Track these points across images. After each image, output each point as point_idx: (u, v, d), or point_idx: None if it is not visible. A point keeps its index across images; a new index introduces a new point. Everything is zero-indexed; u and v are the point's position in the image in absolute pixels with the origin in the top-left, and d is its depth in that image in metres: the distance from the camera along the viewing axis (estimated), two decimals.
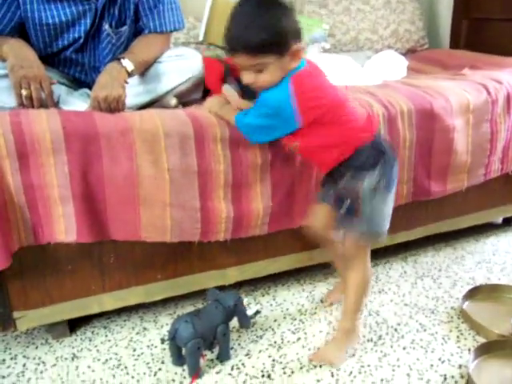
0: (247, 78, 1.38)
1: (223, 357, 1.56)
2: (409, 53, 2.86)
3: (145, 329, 1.73)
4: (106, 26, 1.76)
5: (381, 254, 2.12)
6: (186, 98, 1.76)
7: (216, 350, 1.58)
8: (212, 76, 1.77)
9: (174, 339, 1.48)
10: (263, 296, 1.89)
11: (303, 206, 1.74)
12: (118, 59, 1.65)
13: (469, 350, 1.60)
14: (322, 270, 2.02)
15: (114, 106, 1.56)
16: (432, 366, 1.54)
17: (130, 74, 1.64)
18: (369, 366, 1.54)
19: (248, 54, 1.32)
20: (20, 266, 1.53)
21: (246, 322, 1.55)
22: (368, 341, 1.65)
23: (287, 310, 1.81)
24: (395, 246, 2.10)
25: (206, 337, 1.47)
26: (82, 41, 1.77)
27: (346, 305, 1.58)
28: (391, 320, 1.75)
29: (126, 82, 1.62)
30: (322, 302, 1.86)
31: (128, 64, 1.63)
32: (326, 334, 1.68)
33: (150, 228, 1.57)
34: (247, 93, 1.75)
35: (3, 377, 1.54)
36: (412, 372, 1.52)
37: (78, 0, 1.70)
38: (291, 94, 1.37)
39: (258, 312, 1.59)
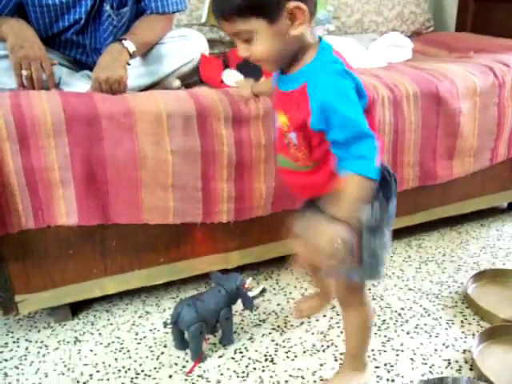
0: (240, 50, 1.10)
1: (226, 341, 1.55)
2: (414, 35, 2.82)
3: (147, 312, 1.73)
4: (107, 7, 1.73)
5: None
6: (188, 80, 1.74)
7: (219, 334, 1.57)
8: (210, 71, 1.74)
9: (176, 323, 1.47)
10: (266, 280, 1.88)
11: None
12: (120, 40, 1.63)
13: (473, 335, 1.59)
14: None
15: (116, 87, 1.54)
16: (436, 350, 1.53)
17: (131, 55, 1.61)
18: (372, 350, 1.53)
19: (227, 20, 1.05)
20: (22, 250, 1.51)
21: (249, 305, 1.54)
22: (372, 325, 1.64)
23: (290, 294, 1.80)
24: (399, 230, 2.08)
25: (208, 320, 1.46)
26: (82, 22, 1.74)
27: (348, 349, 1.39)
28: (395, 304, 1.74)
29: (128, 64, 1.59)
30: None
31: (129, 45, 1.61)
32: (329, 318, 1.67)
33: (152, 210, 1.56)
34: (247, 78, 1.74)
35: (6, 360, 1.53)
36: (416, 357, 1.51)
37: None
38: (342, 67, 1.08)
39: (263, 291, 1.57)
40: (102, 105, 1.48)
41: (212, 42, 2.17)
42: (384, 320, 1.66)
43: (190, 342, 1.48)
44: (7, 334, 1.64)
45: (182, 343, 1.53)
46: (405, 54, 2.26)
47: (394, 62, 2.19)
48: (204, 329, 1.46)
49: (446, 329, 1.62)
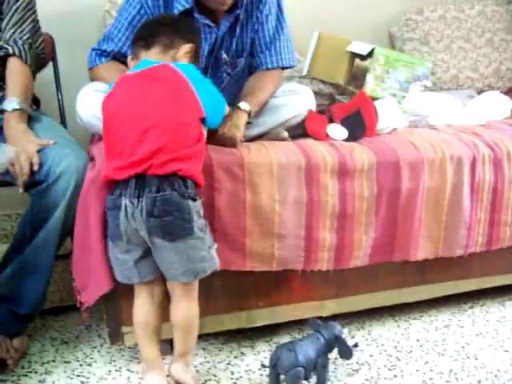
0: None
1: None
2: (510, 92, 2.81)
3: (242, 353, 1.77)
4: (224, 55, 1.86)
5: (477, 296, 2.08)
6: (295, 132, 1.82)
7: (313, 381, 1.59)
8: (316, 125, 1.83)
9: (275, 366, 1.51)
10: (358, 330, 1.90)
11: (405, 241, 1.77)
12: (238, 106, 1.72)
13: None
14: (417, 307, 2.00)
15: (228, 144, 1.64)
16: None
17: (249, 115, 1.71)
18: None
19: None
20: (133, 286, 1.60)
21: (348, 354, 1.57)
22: None
23: (383, 345, 1.81)
24: (492, 288, 2.06)
25: (307, 366, 1.49)
26: (202, 66, 1.85)
27: (190, 343, 1.55)
28: (490, 365, 1.71)
29: (249, 122, 1.70)
30: None
31: (246, 106, 1.70)
32: (422, 373, 1.67)
33: (256, 257, 1.63)
34: (351, 132, 1.81)
35: None
36: None
37: (205, 25, 1.80)
38: None
39: (356, 345, 1.60)
40: (215, 155, 1.58)
41: None
42: (479, 380, 1.64)
43: None
44: (110, 363, 1.73)
45: None
46: (503, 112, 2.26)
47: (492, 120, 2.20)
48: (302, 374, 1.49)
49: None
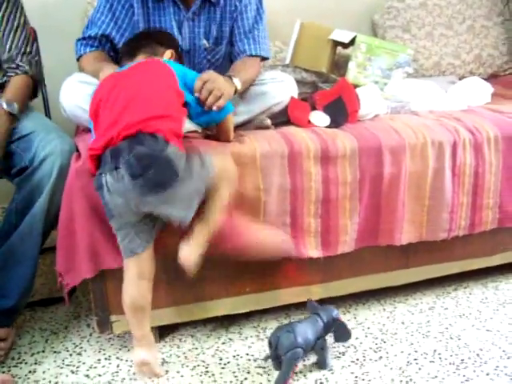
0: None
1: (323, 366, 1.62)
2: (491, 78, 2.84)
3: (230, 339, 1.80)
4: (204, 41, 1.89)
5: (460, 279, 2.12)
6: (278, 119, 1.84)
7: (308, 360, 1.63)
8: (299, 113, 1.85)
9: (276, 349, 1.53)
10: (344, 314, 1.93)
11: (389, 225, 1.80)
12: (229, 76, 1.71)
13: None
14: (402, 290, 2.04)
15: (216, 94, 1.54)
16: None
17: (235, 92, 1.71)
18: None
19: None
20: (120, 275, 1.60)
21: (345, 336, 1.61)
22: (450, 364, 1.66)
23: (368, 328, 1.85)
24: (475, 271, 2.10)
25: (305, 348, 1.53)
26: (179, 51, 1.86)
27: (214, 221, 1.54)
28: (473, 345, 1.75)
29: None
30: None
31: (237, 82, 1.71)
32: (407, 354, 1.70)
33: None
34: (333, 119, 1.84)
35: (99, 375, 1.63)
36: None
37: (175, 5, 1.85)
38: None
39: None
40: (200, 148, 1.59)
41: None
42: (462, 359, 1.68)
43: (283, 367, 1.52)
44: (99, 351, 1.75)
45: (280, 366, 1.56)
46: (484, 98, 2.29)
47: (473, 105, 2.22)
48: (300, 356, 1.52)
49: None
